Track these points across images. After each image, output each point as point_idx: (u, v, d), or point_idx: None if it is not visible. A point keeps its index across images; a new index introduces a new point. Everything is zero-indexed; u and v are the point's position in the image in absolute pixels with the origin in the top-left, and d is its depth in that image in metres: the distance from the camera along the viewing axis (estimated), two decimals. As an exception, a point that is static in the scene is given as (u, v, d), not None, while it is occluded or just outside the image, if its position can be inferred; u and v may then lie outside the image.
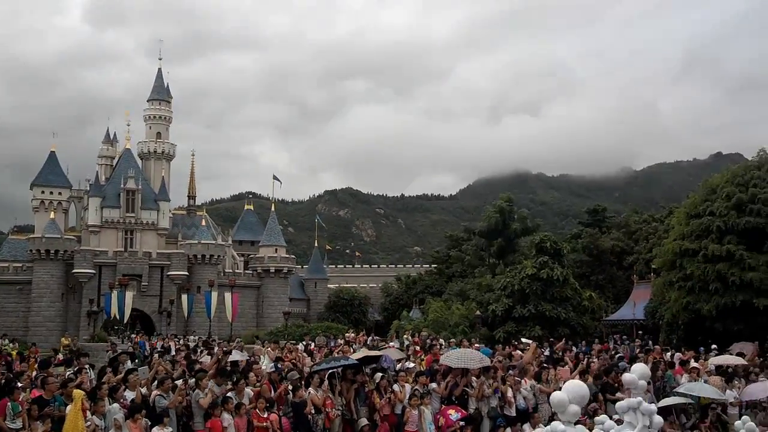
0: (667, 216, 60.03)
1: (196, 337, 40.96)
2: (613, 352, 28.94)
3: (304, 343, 30.48)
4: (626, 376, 11.69)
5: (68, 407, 11.79)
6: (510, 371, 17.73)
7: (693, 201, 42.68)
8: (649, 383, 16.47)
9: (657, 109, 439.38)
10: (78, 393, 11.89)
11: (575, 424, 8.87)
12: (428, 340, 28.09)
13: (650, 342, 37.78)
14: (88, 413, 11.84)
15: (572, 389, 8.95)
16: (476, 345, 24.61)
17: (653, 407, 9.77)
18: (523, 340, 30.59)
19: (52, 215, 73.54)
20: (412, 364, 19.21)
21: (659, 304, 45.40)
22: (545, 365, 19.03)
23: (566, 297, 50.28)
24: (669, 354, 25.06)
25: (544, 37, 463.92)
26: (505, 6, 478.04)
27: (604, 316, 54.74)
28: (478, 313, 51.45)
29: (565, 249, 55.26)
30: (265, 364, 19.14)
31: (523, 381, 16.82)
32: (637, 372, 11.11)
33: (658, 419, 10.26)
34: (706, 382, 17.85)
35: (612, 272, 66.63)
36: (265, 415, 13.40)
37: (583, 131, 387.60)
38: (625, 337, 45.32)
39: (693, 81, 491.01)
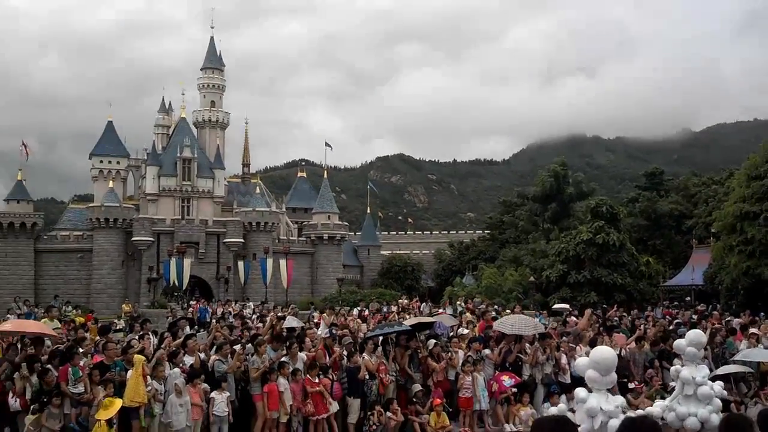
0: (728, 178, 58.63)
1: (251, 304, 41.46)
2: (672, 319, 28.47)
3: (358, 309, 30.76)
4: (676, 343, 11.48)
5: (129, 372, 12.09)
6: (564, 338, 17.61)
7: (754, 162, 41.56)
8: (706, 350, 16.28)
9: (717, 67, 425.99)
10: (139, 358, 12.15)
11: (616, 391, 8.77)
12: (481, 307, 28.03)
13: (717, 306, 37.07)
14: (149, 378, 12.13)
15: (594, 356, 8.82)
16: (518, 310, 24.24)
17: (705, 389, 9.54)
18: (556, 306, 30.11)
19: (110, 184, 75.07)
20: (466, 330, 19.22)
21: (719, 269, 44.54)
22: (600, 332, 18.83)
23: (623, 262, 49.62)
24: (728, 320, 24.58)
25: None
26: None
27: (662, 281, 53.93)
28: (531, 279, 51.16)
29: (622, 213, 54.45)
30: (321, 330, 19.37)
31: (578, 348, 16.67)
32: (689, 338, 10.87)
33: (704, 390, 10.06)
34: (766, 347, 17.46)
35: (670, 237, 65.54)
36: (317, 380, 13.55)
37: (641, 92, 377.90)
38: (676, 302, 44.65)
39: (755, 38, 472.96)
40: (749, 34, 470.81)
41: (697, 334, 11.24)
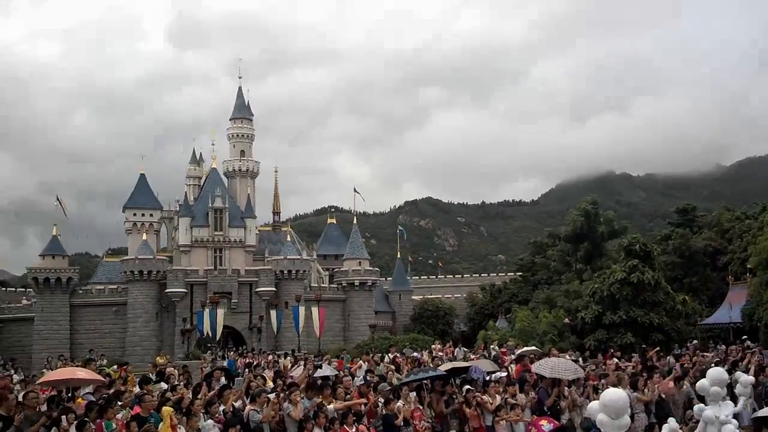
0: (762, 212, 57.79)
1: (281, 353, 41.32)
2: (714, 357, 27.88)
3: (390, 355, 30.54)
4: (699, 384, 11.19)
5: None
6: (603, 380, 17.33)
7: (789, 196, 41.01)
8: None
9: (746, 99, 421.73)
10: (167, 410, 12.09)
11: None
12: (515, 350, 27.68)
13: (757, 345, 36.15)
14: (181, 429, 12.06)
15: (604, 397, 8.58)
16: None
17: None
18: (526, 348, 27.98)
19: (144, 237, 75.83)
20: (504, 374, 18.98)
21: (757, 306, 43.71)
22: (640, 373, 18.48)
23: (658, 301, 48.72)
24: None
25: (623, 32, 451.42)
26: (581, 3, 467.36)
27: (699, 320, 52.94)
28: (566, 320, 50.43)
29: (656, 251, 53.64)
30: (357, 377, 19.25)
31: (617, 390, 16.34)
32: (710, 377, 10.59)
33: (729, 429, 9.78)
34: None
35: (706, 274, 64.49)
36: (353, 430, 13.40)
37: (669, 127, 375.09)
38: (710, 342, 43.91)
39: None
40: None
41: (718, 372, 10.89)
